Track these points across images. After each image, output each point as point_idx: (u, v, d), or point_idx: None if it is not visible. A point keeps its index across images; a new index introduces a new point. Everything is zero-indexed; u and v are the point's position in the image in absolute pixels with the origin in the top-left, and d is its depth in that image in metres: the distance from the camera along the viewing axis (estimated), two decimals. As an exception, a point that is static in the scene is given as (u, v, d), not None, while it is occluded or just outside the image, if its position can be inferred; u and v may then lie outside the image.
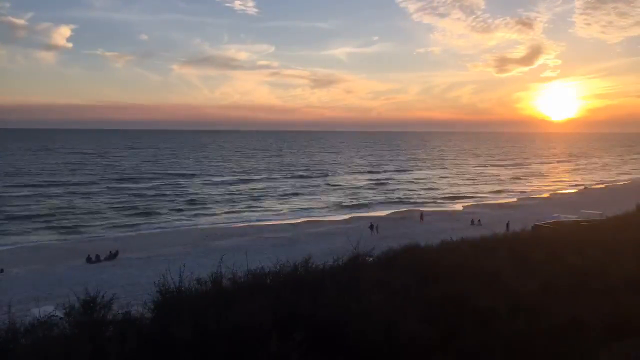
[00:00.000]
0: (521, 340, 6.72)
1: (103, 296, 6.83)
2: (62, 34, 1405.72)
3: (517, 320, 7.05)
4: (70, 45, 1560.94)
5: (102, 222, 51.25)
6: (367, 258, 10.64)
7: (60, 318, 6.69)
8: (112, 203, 63.14)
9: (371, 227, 46.57)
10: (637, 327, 7.90)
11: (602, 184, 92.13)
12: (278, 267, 8.45)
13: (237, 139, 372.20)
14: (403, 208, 62.72)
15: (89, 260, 34.48)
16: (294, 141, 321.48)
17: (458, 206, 64.57)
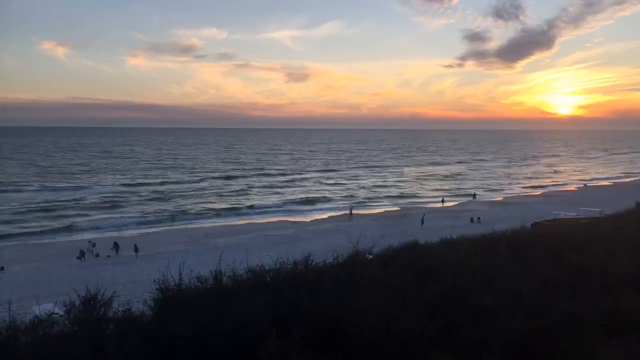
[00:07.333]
0: (520, 337, 6.74)
1: (103, 294, 6.86)
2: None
3: (517, 317, 7.07)
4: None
5: (102, 221, 51.26)
6: (366, 256, 10.66)
7: (61, 316, 6.71)
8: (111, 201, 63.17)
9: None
10: (636, 324, 7.93)
11: (602, 181, 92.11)
12: (278, 265, 8.47)
13: (236, 137, 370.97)
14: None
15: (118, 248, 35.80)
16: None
17: (457, 203, 64.54)
